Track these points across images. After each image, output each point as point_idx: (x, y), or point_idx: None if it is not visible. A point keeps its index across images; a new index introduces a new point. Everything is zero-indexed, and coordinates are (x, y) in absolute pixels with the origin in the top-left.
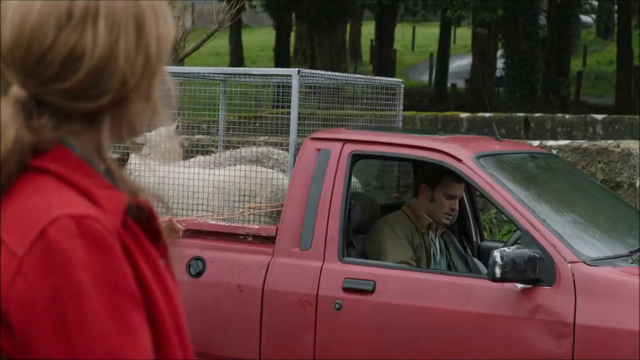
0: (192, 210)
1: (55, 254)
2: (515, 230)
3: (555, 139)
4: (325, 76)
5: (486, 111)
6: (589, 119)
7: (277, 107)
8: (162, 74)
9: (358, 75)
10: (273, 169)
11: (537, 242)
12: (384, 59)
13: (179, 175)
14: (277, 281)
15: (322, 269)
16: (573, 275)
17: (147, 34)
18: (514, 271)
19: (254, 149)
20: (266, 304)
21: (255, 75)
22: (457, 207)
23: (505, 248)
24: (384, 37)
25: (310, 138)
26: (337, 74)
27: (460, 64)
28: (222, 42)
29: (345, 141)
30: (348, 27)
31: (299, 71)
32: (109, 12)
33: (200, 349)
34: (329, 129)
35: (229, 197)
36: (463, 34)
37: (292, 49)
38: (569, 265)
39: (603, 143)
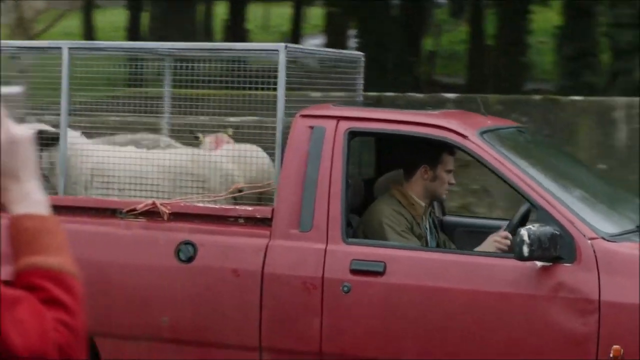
0: (138, 192)
1: None
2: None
3: None
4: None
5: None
6: (440, 97)
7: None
8: None
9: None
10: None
11: (555, 219)
12: (238, 39)
13: (122, 157)
14: (277, 264)
15: (327, 251)
16: (594, 251)
17: None
18: (540, 249)
19: (128, 136)
20: (266, 288)
21: (239, 50)
22: (454, 180)
23: (531, 226)
24: (236, 17)
25: (300, 115)
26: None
27: (314, 44)
28: (75, 23)
29: (339, 118)
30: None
31: (286, 46)
32: None
33: (196, 336)
34: (317, 105)
35: (177, 181)
36: (317, 14)
37: (146, 29)
38: (589, 241)
39: None
